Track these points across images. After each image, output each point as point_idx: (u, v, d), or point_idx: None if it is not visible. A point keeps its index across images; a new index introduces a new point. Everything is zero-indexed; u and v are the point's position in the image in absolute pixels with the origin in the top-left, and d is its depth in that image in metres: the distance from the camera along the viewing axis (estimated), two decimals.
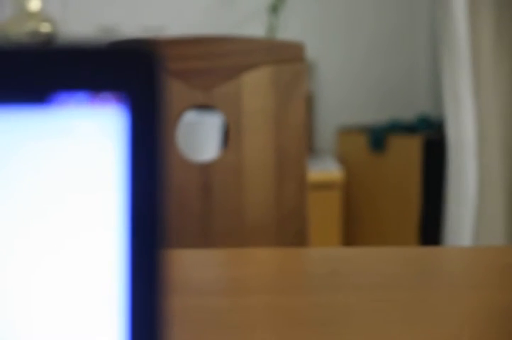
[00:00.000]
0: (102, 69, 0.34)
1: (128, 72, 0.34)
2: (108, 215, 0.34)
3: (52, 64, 0.34)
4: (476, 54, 2.32)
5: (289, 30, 2.66)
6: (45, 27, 2.24)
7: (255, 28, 2.61)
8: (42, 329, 0.35)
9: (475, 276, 0.83)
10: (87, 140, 0.34)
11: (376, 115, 2.72)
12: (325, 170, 2.44)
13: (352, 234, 2.56)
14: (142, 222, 0.34)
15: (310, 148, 2.71)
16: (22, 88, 0.33)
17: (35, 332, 0.35)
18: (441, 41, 2.38)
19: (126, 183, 0.34)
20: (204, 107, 1.18)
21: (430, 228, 2.40)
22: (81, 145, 0.34)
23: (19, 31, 2.20)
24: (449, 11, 2.30)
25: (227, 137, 1.17)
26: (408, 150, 2.43)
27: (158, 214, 0.34)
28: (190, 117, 2.16)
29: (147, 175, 0.34)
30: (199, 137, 2.19)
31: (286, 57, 1.17)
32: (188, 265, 0.87)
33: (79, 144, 0.34)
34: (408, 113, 2.68)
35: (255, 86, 1.17)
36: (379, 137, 2.48)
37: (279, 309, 0.72)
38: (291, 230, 1.14)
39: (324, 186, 2.41)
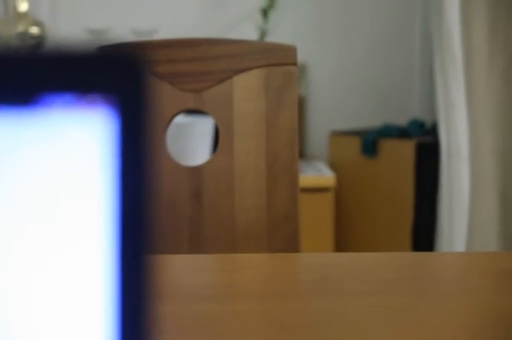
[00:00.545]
0: (90, 72, 0.34)
1: (116, 76, 0.34)
2: (96, 219, 0.34)
3: (40, 67, 0.33)
4: (469, 58, 2.31)
5: (281, 33, 2.66)
6: (35, 30, 2.24)
7: (247, 31, 2.60)
8: (31, 333, 0.34)
9: (468, 282, 0.82)
10: (74, 143, 0.34)
11: (369, 120, 2.72)
12: (317, 175, 2.44)
13: (344, 240, 2.55)
14: (131, 226, 0.34)
15: (301, 152, 2.71)
16: (11, 91, 0.33)
17: (23, 336, 0.34)
18: (435, 45, 2.38)
19: (114, 186, 0.34)
20: (195, 110, 1.17)
21: (424, 233, 2.39)
22: (68, 148, 0.34)
23: (8, 33, 2.19)
24: (443, 16, 2.30)
25: (218, 140, 1.16)
26: (401, 155, 2.42)
27: (147, 218, 0.34)
28: (181, 120, 2.16)
29: (135, 178, 0.34)
30: (190, 140, 2.18)
31: (277, 60, 1.16)
32: (178, 271, 0.86)
33: (66, 146, 0.34)
34: (401, 118, 2.68)
35: (246, 89, 1.16)
36: (371, 142, 2.48)
37: (270, 315, 0.71)
38: (282, 235, 1.13)
39: (316, 191, 2.40)
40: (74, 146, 0.34)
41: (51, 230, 0.34)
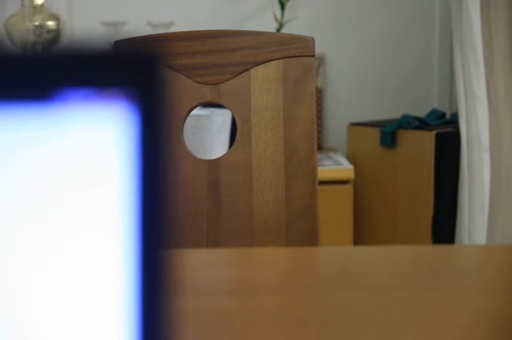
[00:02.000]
0: (108, 67, 0.34)
1: (133, 70, 0.34)
2: (115, 215, 0.34)
3: (58, 62, 0.34)
4: (489, 47, 2.29)
5: (298, 24, 2.64)
6: (51, 23, 2.23)
7: (264, 23, 2.59)
8: (48, 330, 0.34)
9: (488, 275, 0.81)
10: (92, 137, 0.34)
11: (388, 111, 2.70)
12: (336, 167, 2.42)
13: (364, 232, 2.54)
14: (150, 221, 0.34)
15: (320, 144, 2.69)
16: (29, 86, 0.33)
17: (40, 333, 0.34)
18: (454, 34, 2.36)
19: (133, 180, 0.34)
20: (212, 103, 1.17)
21: (444, 224, 2.38)
22: (85, 142, 0.34)
23: (24, 26, 2.19)
24: (464, 5, 2.28)
25: (236, 133, 1.15)
26: (421, 145, 2.40)
27: (166, 212, 0.34)
28: (198, 113, 2.15)
29: (154, 172, 0.34)
30: (207, 133, 2.17)
31: (295, 52, 1.15)
32: (197, 266, 0.85)
33: (83, 141, 0.34)
34: (420, 109, 2.66)
35: (264, 81, 1.15)
36: (390, 133, 2.46)
37: (288, 310, 0.70)
38: (301, 228, 1.12)
39: (335, 183, 2.39)
40: (92, 141, 0.34)
41: (70, 225, 0.34)
